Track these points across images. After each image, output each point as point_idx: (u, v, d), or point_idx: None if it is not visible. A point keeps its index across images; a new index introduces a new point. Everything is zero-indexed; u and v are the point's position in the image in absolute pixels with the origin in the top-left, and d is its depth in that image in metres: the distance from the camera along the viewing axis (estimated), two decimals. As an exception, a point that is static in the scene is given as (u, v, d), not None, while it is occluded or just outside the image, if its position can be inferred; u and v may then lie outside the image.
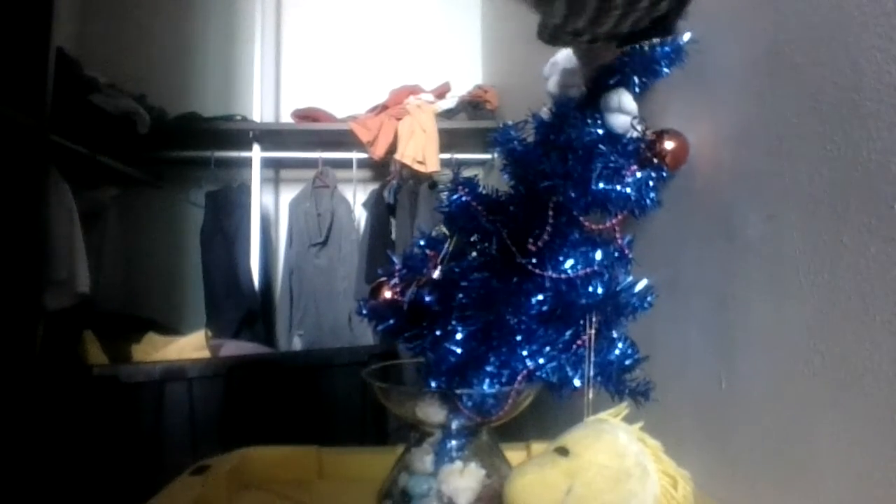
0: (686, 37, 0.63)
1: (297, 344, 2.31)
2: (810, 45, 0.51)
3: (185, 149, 2.30)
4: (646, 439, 0.50)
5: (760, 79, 0.58)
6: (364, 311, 0.66)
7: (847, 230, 0.47)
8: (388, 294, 0.65)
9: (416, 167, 2.20)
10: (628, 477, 0.44)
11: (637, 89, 0.65)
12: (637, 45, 0.62)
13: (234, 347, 1.75)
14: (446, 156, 2.27)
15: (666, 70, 0.64)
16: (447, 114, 2.32)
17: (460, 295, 0.59)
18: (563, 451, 0.45)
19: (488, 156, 2.35)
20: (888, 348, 0.43)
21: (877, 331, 0.44)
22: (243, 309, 2.19)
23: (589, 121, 0.65)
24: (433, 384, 0.57)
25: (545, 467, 0.44)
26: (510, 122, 0.67)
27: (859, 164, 0.46)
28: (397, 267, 0.66)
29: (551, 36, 0.40)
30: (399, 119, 2.25)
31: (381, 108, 2.35)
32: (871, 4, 0.45)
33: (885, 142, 0.43)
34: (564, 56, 0.76)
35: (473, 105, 2.31)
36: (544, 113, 0.68)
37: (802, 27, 0.52)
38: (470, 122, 2.30)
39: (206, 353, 1.60)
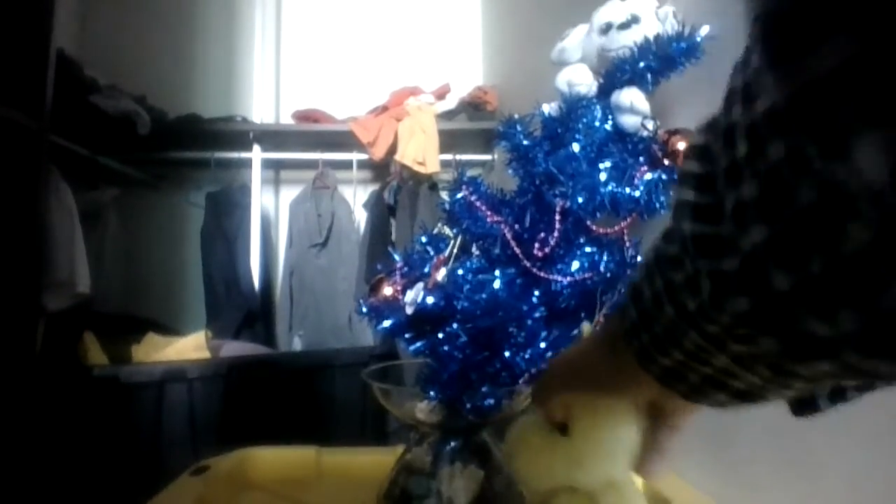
0: (704, 31, 0.61)
1: (298, 344, 2.31)
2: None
3: (185, 150, 2.30)
4: None
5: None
6: (364, 310, 0.65)
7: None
8: (388, 290, 0.64)
9: (417, 168, 2.20)
10: (622, 448, 0.42)
11: (650, 87, 0.63)
12: None
13: (235, 348, 1.75)
14: (446, 157, 2.28)
15: (682, 67, 0.62)
16: (447, 115, 2.32)
17: (462, 298, 0.58)
18: (562, 428, 0.42)
19: (488, 157, 2.36)
20: (888, 348, 0.43)
21: (877, 331, 0.44)
22: (243, 309, 2.19)
23: (599, 117, 0.63)
24: (433, 392, 0.57)
25: (544, 450, 0.43)
26: (516, 116, 0.65)
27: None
28: (398, 264, 0.66)
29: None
30: (399, 120, 2.25)
31: (382, 109, 2.35)
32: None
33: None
34: (573, 44, 0.74)
35: (473, 106, 2.31)
36: (552, 108, 0.67)
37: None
38: (470, 122, 2.30)
39: (206, 354, 1.60)
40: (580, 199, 0.58)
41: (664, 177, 0.63)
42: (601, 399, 0.41)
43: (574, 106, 0.65)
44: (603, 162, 0.61)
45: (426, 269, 0.64)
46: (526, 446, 0.45)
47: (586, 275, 0.59)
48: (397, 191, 2.28)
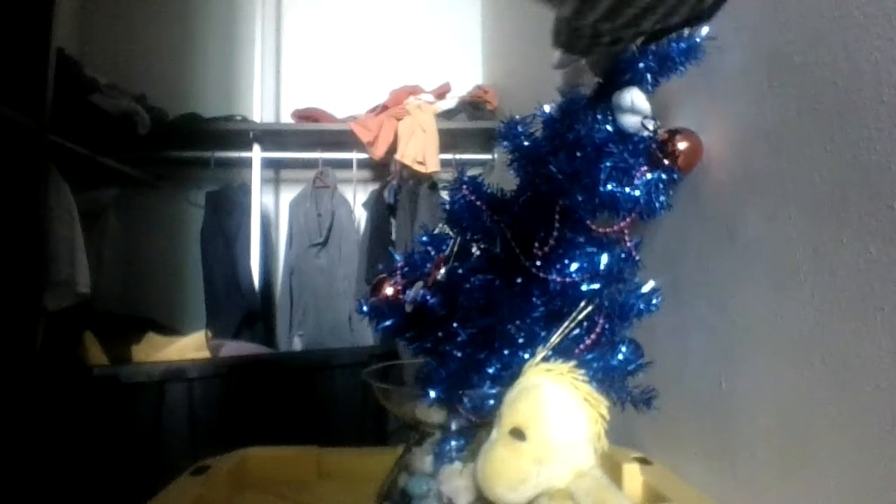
0: (703, 32, 0.61)
1: (297, 344, 2.31)
2: (811, 45, 0.51)
3: (185, 149, 2.29)
4: (576, 383, 0.50)
5: (761, 79, 0.58)
6: (364, 309, 0.65)
7: (847, 230, 0.47)
8: (389, 290, 0.64)
9: (417, 167, 2.20)
10: (577, 438, 0.49)
11: (650, 87, 0.63)
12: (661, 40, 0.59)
13: (235, 348, 1.74)
14: (446, 156, 2.27)
15: (682, 67, 0.62)
16: (447, 114, 2.32)
17: (462, 297, 0.58)
18: (519, 435, 0.48)
19: (488, 156, 2.36)
20: (888, 348, 0.43)
21: (877, 331, 0.44)
22: (243, 309, 2.19)
23: (599, 117, 0.63)
24: (432, 393, 0.57)
25: (510, 457, 0.48)
26: (517, 116, 0.65)
27: (859, 164, 0.46)
28: (399, 264, 0.66)
29: (568, 39, 0.34)
30: (399, 119, 2.25)
31: (382, 109, 2.35)
32: (872, 5, 0.45)
33: (885, 142, 0.43)
34: None
35: (474, 105, 2.31)
36: (552, 108, 0.67)
37: (803, 27, 0.52)
38: (470, 122, 2.29)
39: (206, 354, 1.60)
40: (580, 199, 0.58)
41: (664, 177, 0.63)
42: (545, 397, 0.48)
43: (574, 105, 0.65)
44: (603, 162, 0.60)
45: (426, 269, 0.64)
46: (494, 462, 0.49)
47: (586, 275, 0.58)
48: (397, 190, 2.28)
